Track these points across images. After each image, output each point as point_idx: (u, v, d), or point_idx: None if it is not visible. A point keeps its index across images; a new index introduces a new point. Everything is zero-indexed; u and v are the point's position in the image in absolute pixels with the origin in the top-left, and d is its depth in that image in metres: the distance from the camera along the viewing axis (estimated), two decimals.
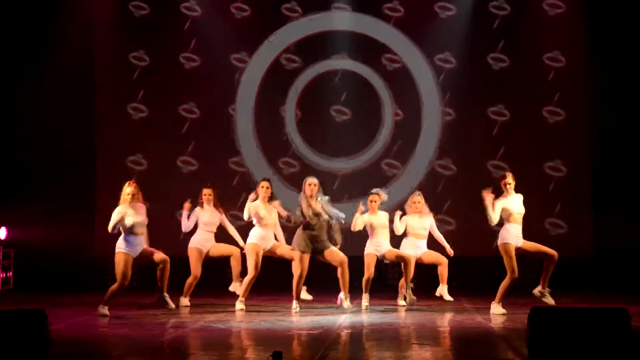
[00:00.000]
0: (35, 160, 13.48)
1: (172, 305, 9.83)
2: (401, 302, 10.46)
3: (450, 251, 10.55)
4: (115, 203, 9.44)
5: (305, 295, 10.36)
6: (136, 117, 13.91)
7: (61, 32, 13.60)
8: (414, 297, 10.30)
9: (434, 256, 10.55)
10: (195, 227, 10.61)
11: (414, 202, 10.53)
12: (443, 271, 10.49)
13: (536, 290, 9.71)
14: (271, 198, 10.10)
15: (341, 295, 9.98)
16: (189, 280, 10.48)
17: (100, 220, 13.55)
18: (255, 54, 13.94)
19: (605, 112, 13.31)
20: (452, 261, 10.61)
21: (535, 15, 13.66)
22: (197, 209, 10.59)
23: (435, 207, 13.38)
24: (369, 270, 10.20)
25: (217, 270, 13.61)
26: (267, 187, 10.08)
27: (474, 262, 13.07)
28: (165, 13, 14.00)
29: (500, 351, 6.82)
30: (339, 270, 9.87)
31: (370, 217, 10.26)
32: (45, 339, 5.78)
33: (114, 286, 9.47)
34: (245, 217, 10.04)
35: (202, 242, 10.49)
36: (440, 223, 13.02)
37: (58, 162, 13.46)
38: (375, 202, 10.30)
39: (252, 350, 7.14)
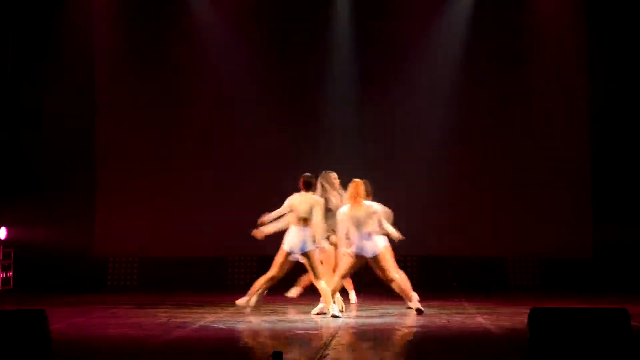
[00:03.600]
0: (35, 160, 13.46)
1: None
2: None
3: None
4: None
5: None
6: (137, 117, 13.89)
7: (62, 30, 13.59)
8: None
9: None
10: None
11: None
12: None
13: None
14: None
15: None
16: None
17: (101, 220, 13.58)
18: (256, 55, 13.91)
19: (605, 111, 13.30)
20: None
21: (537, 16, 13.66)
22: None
23: (434, 206, 13.44)
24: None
25: (217, 271, 13.66)
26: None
27: (481, 261, 13.05)
28: (168, 8, 13.95)
29: (500, 351, 6.82)
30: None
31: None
32: (45, 339, 5.78)
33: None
34: None
35: None
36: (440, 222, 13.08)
37: (58, 162, 13.45)
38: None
39: (252, 350, 7.14)
